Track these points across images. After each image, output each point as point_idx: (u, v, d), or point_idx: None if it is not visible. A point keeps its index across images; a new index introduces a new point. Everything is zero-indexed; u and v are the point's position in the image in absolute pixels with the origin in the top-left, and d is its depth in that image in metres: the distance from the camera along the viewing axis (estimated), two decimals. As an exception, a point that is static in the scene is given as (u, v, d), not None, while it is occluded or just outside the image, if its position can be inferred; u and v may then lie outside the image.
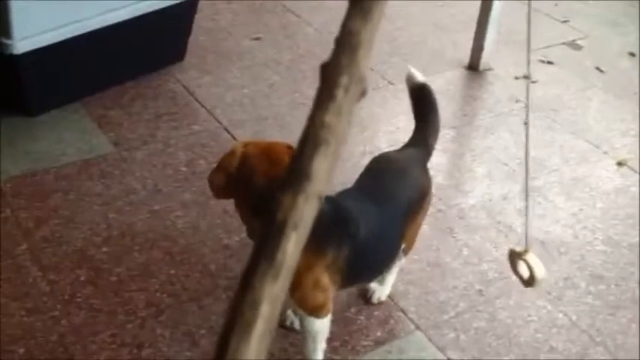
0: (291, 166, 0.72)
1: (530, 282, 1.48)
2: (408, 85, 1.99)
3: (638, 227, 2.40)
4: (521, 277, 1.51)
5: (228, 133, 2.72)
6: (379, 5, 0.77)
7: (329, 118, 0.73)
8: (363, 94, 0.77)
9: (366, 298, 2.03)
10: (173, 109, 2.84)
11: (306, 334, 1.76)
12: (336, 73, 0.76)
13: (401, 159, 1.92)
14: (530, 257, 1.44)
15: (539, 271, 1.42)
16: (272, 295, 0.66)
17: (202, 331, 1.93)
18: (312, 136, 0.73)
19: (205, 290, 2.05)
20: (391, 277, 2.03)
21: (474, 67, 3.23)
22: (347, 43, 0.77)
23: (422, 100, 1.97)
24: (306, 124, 0.74)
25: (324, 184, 0.71)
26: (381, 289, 2.03)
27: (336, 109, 0.74)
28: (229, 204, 2.38)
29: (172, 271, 2.10)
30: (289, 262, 0.68)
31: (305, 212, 0.69)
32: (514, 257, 1.51)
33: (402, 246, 1.88)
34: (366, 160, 2.53)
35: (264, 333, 0.65)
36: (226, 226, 2.28)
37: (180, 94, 2.94)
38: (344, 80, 0.75)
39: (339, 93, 0.74)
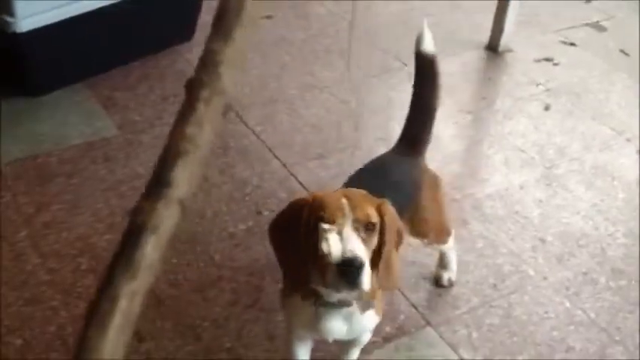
0: (154, 175, 0.79)
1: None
2: (415, 47, 1.80)
3: (661, 219, 2.30)
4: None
5: (237, 115, 2.64)
6: (240, 29, 0.86)
7: (190, 129, 0.80)
8: (226, 107, 0.85)
9: (437, 284, 2.01)
10: (180, 91, 2.72)
11: (358, 344, 1.65)
12: (197, 87, 0.84)
13: (383, 159, 1.79)
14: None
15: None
16: (130, 291, 0.73)
17: (205, 324, 1.87)
18: (173, 147, 0.79)
19: (209, 281, 1.99)
20: (448, 260, 1.98)
21: (493, 48, 3.11)
22: (209, 60, 0.86)
23: (424, 73, 1.79)
24: (169, 135, 0.81)
25: (184, 190, 0.78)
26: (447, 272, 2.00)
27: (197, 120, 0.81)
28: (236, 190, 2.32)
29: (175, 260, 2.03)
30: (148, 262, 0.74)
31: (165, 217, 0.76)
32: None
33: (425, 241, 1.80)
34: (379, 147, 2.46)
35: (121, 326, 0.71)
36: (232, 213, 2.21)
37: (187, 75, 2.84)
38: (204, 94, 0.83)
39: (200, 106, 0.82)
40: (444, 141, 2.58)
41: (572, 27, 3.37)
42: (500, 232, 2.21)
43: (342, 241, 1.30)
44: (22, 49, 2.47)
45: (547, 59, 3.09)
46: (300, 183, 2.35)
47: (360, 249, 1.30)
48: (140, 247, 0.74)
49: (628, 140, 2.65)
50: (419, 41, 1.80)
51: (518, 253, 2.14)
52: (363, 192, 1.41)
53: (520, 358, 1.84)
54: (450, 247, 1.95)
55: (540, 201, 2.34)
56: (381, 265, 1.38)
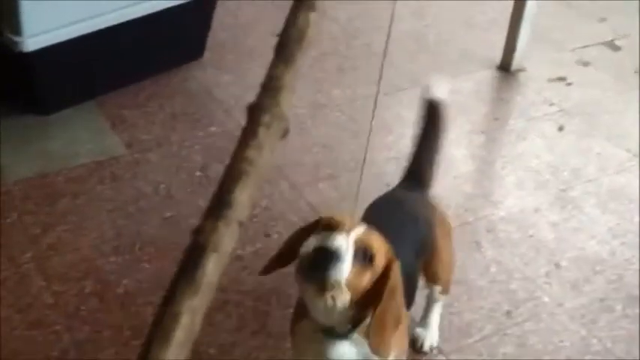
0: (215, 195, 0.82)
1: None
2: (426, 94, 1.83)
3: (680, 244, 2.24)
4: None
5: (246, 135, 2.60)
6: (301, 55, 0.90)
7: (250, 152, 0.84)
8: (285, 132, 0.89)
9: (415, 348, 1.84)
10: (190, 109, 2.74)
11: None
12: (259, 112, 0.87)
13: (394, 195, 1.76)
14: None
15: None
16: (192, 307, 0.75)
17: (212, 350, 1.83)
18: (235, 169, 0.83)
19: (215, 305, 1.94)
20: (434, 320, 1.86)
21: (505, 67, 3.07)
22: (270, 86, 0.89)
23: (431, 118, 1.82)
24: (231, 158, 0.85)
25: (244, 211, 0.82)
26: (430, 335, 1.85)
27: (257, 144, 0.85)
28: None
29: (182, 284, 2.00)
30: (209, 280, 0.78)
31: (225, 236, 0.79)
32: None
33: (438, 289, 1.76)
34: (390, 167, 2.43)
35: (183, 342, 0.73)
36: (240, 235, 2.16)
37: (197, 94, 2.83)
38: (265, 119, 0.86)
39: (261, 130, 0.85)
40: (456, 161, 2.54)
41: (586, 46, 3.32)
42: (514, 257, 2.16)
43: (333, 235, 1.25)
44: (30, 68, 2.46)
45: (561, 79, 3.04)
46: (310, 204, 2.31)
47: (346, 253, 1.24)
48: (202, 265, 0.76)
49: (644, 162, 2.60)
50: (431, 89, 1.81)
51: (533, 278, 2.09)
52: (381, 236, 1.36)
53: (535, 388, 1.79)
54: (441, 302, 1.85)
55: (555, 224, 2.29)
56: (374, 322, 1.31)
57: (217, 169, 2.43)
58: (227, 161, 2.57)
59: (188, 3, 2.75)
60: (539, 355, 1.87)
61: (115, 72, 2.73)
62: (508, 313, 1.97)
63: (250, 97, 3.12)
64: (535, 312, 1.98)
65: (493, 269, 2.11)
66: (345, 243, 1.25)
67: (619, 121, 2.83)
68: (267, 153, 0.85)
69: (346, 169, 2.49)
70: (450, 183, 2.43)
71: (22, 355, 1.78)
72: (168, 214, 2.23)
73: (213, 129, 2.63)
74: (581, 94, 2.97)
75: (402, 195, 1.75)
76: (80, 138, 2.54)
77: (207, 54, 3.02)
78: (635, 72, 3.14)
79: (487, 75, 3.06)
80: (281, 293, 1.98)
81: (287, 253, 1.38)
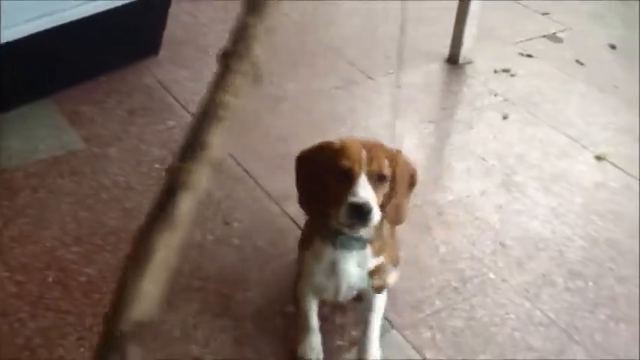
0: (189, 137, 0.86)
1: None
2: None
3: (617, 223, 2.38)
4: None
5: (204, 128, 2.67)
6: (270, 4, 0.94)
7: (227, 98, 0.88)
8: (257, 78, 0.92)
9: None
10: (147, 105, 2.79)
11: (377, 313, 1.83)
12: (234, 59, 0.90)
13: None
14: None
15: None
16: (167, 242, 0.80)
17: (175, 333, 1.89)
18: (210, 113, 0.87)
19: (178, 290, 2.00)
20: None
21: (453, 60, 3.20)
22: (244, 34, 0.92)
23: None
24: (205, 102, 0.88)
25: (217, 152, 0.86)
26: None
27: (232, 90, 0.89)
28: (203, 201, 2.34)
29: (144, 271, 2.05)
30: (184, 217, 0.82)
31: (199, 176, 0.84)
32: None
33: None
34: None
35: (158, 275, 0.78)
36: (199, 223, 2.24)
37: (155, 89, 2.88)
38: (241, 65, 0.90)
39: (236, 76, 0.89)
40: (407, 150, 2.63)
41: (530, 39, 3.47)
42: (461, 238, 2.27)
43: (356, 187, 1.55)
44: (-13, 64, 2.48)
45: (505, 70, 3.18)
46: (268, 193, 2.39)
47: (370, 195, 1.55)
48: (178, 202, 0.80)
49: (584, 147, 2.74)
50: None
51: (480, 257, 2.20)
52: (380, 143, 1.66)
53: (482, 357, 1.89)
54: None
55: (500, 207, 2.41)
56: (390, 208, 1.65)
57: (176, 162, 2.49)
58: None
59: (141, 0, 2.79)
60: (486, 327, 1.97)
61: (72, 69, 2.76)
62: (457, 290, 2.08)
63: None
64: (482, 288, 2.09)
65: (442, 250, 2.22)
66: (368, 194, 1.55)
67: (561, 109, 2.97)
68: (241, 99, 0.89)
69: (302, 159, 2.56)
70: (401, 170, 2.53)
71: (-13, 344, 1.82)
72: (128, 206, 2.28)
73: (170, 123, 2.69)
74: (524, 84, 3.11)
75: None
76: (38, 134, 2.57)
77: (164, 51, 3.07)
78: (576, 62, 3.30)
79: (436, 68, 3.18)
80: (241, 278, 2.06)
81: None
